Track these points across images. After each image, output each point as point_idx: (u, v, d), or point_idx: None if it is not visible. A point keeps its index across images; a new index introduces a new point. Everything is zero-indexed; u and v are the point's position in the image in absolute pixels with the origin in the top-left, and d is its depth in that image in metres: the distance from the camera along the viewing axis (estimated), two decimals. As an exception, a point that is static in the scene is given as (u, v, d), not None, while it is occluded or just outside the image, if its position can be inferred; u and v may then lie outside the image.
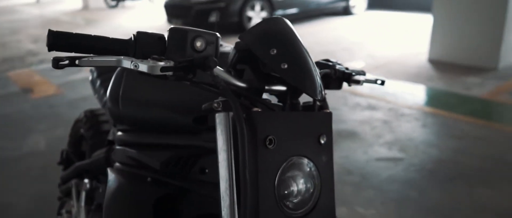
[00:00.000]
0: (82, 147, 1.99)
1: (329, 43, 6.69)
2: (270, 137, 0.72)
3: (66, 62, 0.67)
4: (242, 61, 0.82)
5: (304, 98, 0.83)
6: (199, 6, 7.65)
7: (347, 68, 1.03)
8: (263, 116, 0.72)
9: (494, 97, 3.98)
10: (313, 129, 0.78)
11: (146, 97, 1.01)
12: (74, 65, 0.69)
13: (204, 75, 0.73)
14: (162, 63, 0.68)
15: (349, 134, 3.22)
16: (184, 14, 7.89)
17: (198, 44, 0.73)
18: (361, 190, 2.45)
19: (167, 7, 8.44)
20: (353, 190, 2.45)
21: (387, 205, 2.29)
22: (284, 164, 0.74)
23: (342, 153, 2.89)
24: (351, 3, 9.80)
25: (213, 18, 7.55)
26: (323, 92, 0.80)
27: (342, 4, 9.68)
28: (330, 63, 1.01)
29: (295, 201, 0.76)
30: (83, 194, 1.45)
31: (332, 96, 0.79)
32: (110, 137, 1.47)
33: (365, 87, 4.21)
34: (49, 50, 0.70)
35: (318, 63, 1.01)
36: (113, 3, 14.37)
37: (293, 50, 0.78)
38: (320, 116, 0.80)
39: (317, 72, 0.80)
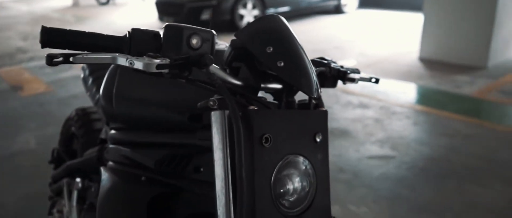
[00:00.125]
0: (74, 145, 1.98)
1: (321, 41, 6.70)
2: (266, 135, 0.71)
3: (60, 59, 0.66)
4: (237, 59, 0.81)
5: (299, 96, 0.83)
6: (191, 4, 7.62)
7: (342, 66, 1.03)
8: (259, 114, 0.72)
9: (484, 96, 4.02)
10: (309, 127, 0.78)
11: (141, 95, 1.00)
12: (68, 62, 0.67)
13: (199, 73, 0.73)
14: (157, 61, 0.67)
15: (341, 132, 3.23)
16: (176, 12, 7.86)
17: (194, 41, 0.72)
18: (353, 188, 2.46)
19: (159, 4, 8.40)
20: (345, 188, 2.46)
21: (379, 203, 2.30)
22: (280, 162, 0.74)
23: (334, 151, 2.90)
24: (342, 1, 9.84)
25: (205, 16, 7.53)
26: (319, 91, 0.80)
27: (334, 2, 9.71)
28: (325, 61, 1.01)
29: (291, 199, 0.75)
30: (75, 193, 1.44)
31: (324, 95, 0.79)
32: (102, 136, 1.46)
33: (357, 86, 4.23)
34: (43, 47, 0.69)
35: (313, 61, 1.01)
36: (104, 0, 14.26)
37: (289, 48, 0.78)
38: (316, 114, 0.80)
39: (313, 70, 0.80)
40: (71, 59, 0.68)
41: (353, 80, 1.02)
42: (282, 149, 0.74)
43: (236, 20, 7.79)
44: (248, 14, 7.98)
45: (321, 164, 0.79)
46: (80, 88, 4.56)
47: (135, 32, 0.72)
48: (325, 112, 0.81)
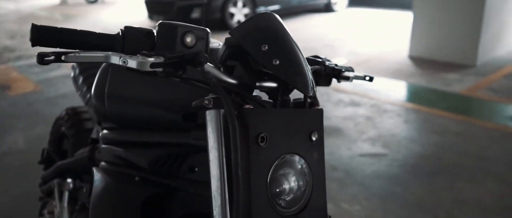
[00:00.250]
0: (64, 145, 1.95)
1: (311, 40, 6.72)
2: (262, 135, 0.70)
3: (52, 58, 0.65)
4: (232, 57, 0.80)
5: (294, 95, 0.83)
6: (181, 2, 7.57)
7: (336, 65, 1.02)
8: (255, 113, 0.71)
9: (473, 93, 4.06)
10: (305, 125, 0.77)
11: (133, 94, 0.99)
12: (60, 61, 0.66)
13: (194, 71, 0.72)
14: (152, 59, 0.66)
15: (333, 130, 3.24)
16: (166, 10, 7.81)
17: (188, 39, 0.71)
18: (345, 186, 2.47)
19: (148, 3, 8.34)
20: (338, 186, 2.46)
21: (371, 201, 2.31)
22: (276, 161, 0.73)
23: (326, 149, 2.89)
24: (332, 0, 9.87)
25: (195, 14, 7.49)
26: (314, 89, 0.79)
27: (324, 1, 9.74)
28: (320, 60, 1.00)
29: (287, 199, 0.75)
30: (66, 194, 1.42)
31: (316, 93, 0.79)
32: (93, 135, 1.44)
33: (347, 84, 4.24)
34: (33, 45, 0.67)
35: (308, 60, 1.01)
36: (93, -2, 14.13)
37: (285, 46, 0.77)
38: (312, 112, 0.79)
39: (308, 69, 0.80)
40: (63, 58, 0.66)
41: (347, 78, 1.02)
42: (278, 148, 0.73)
43: (227, 19, 7.77)
44: (239, 13, 7.96)
45: (317, 163, 0.79)
46: (69, 87, 4.51)
47: (128, 30, 0.71)
48: (321, 111, 0.81)
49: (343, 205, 2.28)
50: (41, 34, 0.66)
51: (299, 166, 0.77)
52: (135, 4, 12.59)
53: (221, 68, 0.81)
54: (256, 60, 0.78)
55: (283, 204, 0.74)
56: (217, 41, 1.05)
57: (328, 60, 1.04)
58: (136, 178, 0.98)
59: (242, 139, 0.69)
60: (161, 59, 0.67)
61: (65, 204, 1.43)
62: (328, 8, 9.93)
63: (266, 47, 0.75)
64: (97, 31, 0.71)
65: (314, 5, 9.53)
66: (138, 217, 0.92)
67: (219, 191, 0.71)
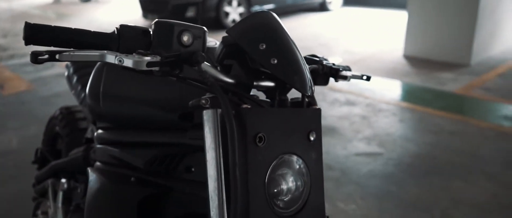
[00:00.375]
0: (58, 145, 1.93)
1: (306, 39, 6.72)
2: (260, 134, 0.70)
3: (46, 56, 0.64)
4: (229, 56, 0.80)
5: (291, 94, 0.82)
6: (175, 1, 7.55)
7: (333, 64, 1.02)
8: (252, 112, 0.70)
9: (467, 93, 4.08)
10: (303, 125, 0.77)
11: (129, 93, 0.98)
12: (54, 60, 0.65)
13: (190, 70, 0.71)
14: (148, 58, 0.65)
15: (329, 130, 3.24)
16: (160, 9, 7.78)
17: (185, 38, 0.70)
18: (341, 185, 2.47)
19: (142, 1, 8.30)
20: (333, 185, 2.46)
21: (367, 200, 2.31)
22: (274, 162, 0.72)
23: (322, 149, 2.90)
24: (327, -1, 9.88)
25: (190, 13, 7.47)
26: (313, 88, 0.78)
27: (318, 0, 9.74)
28: (317, 59, 1.00)
29: (285, 199, 0.74)
30: (60, 194, 1.40)
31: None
32: (88, 135, 1.42)
33: (343, 83, 4.25)
34: (26, 44, 0.66)
35: (305, 59, 1.00)
36: (86, -3, 14.05)
37: (283, 45, 0.77)
38: (309, 112, 0.79)
39: (306, 68, 0.79)
40: (57, 56, 0.65)
41: (345, 78, 1.01)
42: (276, 148, 0.72)
43: (222, 18, 7.75)
44: (234, 12, 7.95)
45: (315, 163, 0.78)
46: (63, 86, 4.48)
47: (123, 28, 0.70)
48: (319, 110, 0.80)
49: (339, 204, 2.28)
50: (35, 33, 0.64)
51: (297, 166, 0.76)
52: (129, 3, 12.53)
53: (218, 68, 0.80)
54: (254, 59, 0.77)
55: (281, 205, 0.73)
56: (213, 40, 1.04)
57: (326, 59, 1.03)
58: (132, 179, 0.97)
59: (240, 139, 0.68)
60: (157, 58, 0.66)
61: (59, 205, 1.41)
62: (323, 7, 9.94)
63: (264, 46, 0.74)
64: (92, 30, 0.70)
65: (309, 4, 9.53)
66: None
67: (216, 191, 0.70)
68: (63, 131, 1.73)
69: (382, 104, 3.78)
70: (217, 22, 7.66)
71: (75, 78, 1.63)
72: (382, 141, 3.03)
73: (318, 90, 4.09)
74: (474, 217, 2.15)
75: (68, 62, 1.76)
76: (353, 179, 2.53)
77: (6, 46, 6.96)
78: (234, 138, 0.67)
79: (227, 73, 0.79)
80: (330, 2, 10.00)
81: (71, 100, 3.38)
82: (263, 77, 0.81)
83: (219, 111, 0.72)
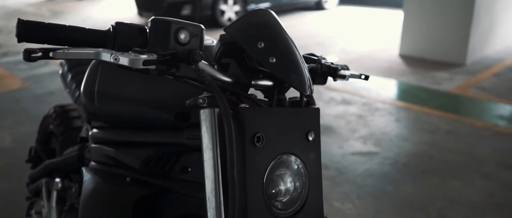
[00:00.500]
0: (52, 144, 1.91)
1: (302, 37, 6.71)
2: (258, 134, 0.69)
3: (39, 54, 0.62)
4: (227, 55, 0.78)
5: (288, 93, 0.81)
6: (171, -1, 7.51)
7: (332, 63, 1.01)
8: (251, 112, 0.69)
9: (463, 92, 4.09)
10: (301, 125, 0.76)
11: (124, 92, 0.96)
12: (48, 57, 0.63)
13: (187, 69, 0.70)
14: (144, 56, 0.63)
15: (325, 129, 3.23)
16: (156, 7, 7.74)
17: (182, 36, 0.69)
18: (338, 184, 2.46)
19: (138, -1, 8.25)
20: (330, 185, 2.45)
21: (363, 199, 2.31)
22: (273, 162, 0.71)
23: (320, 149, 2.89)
24: (323, -2, 9.88)
25: (186, 11, 7.44)
26: (311, 88, 0.77)
27: (315, -1, 9.73)
28: (315, 58, 0.99)
29: (283, 200, 0.73)
30: (54, 194, 1.38)
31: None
32: (83, 134, 1.41)
33: (338, 81, 4.24)
34: (19, 41, 0.64)
35: (303, 58, 0.99)
36: (81, -6, 13.96)
37: (281, 43, 0.75)
38: (308, 112, 0.78)
39: (305, 67, 0.78)
40: (51, 54, 0.63)
41: (343, 77, 1.00)
42: (275, 148, 0.71)
43: (217, 16, 7.73)
44: (229, 10, 7.92)
45: (314, 164, 0.77)
46: (57, 84, 4.44)
47: (119, 26, 0.68)
48: (317, 110, 0.79)
49: (335, 204, 2.27)
50: (28, 30, 0.63)
51: (296, 167, 0.75)
52: (124, 1, 12.46)
53: (216, 66, 0.79)
54: (252, 57, 0.76)
55: (279, 206, 0.72)
56: (210, 38, 1.03)
57: (324, 58, 1.02)
58: (127, 179, 0.95)
59: (238, 139, 0.67)
60: (154, 57, 0.64)
61: (53, 204, 1.40)
62: (319, 6, 9.93)
63: (262, 45, 0.73)
64: (87, 27, 0.69)
65: (304, 2, 9.52)
66: None
67: (213, 192, 0.69)
68: (57, 130, 1.71)
69: (378, 103, 3.78)
70: (212, 21, 7.63)
71: (69, 76, 1.61)
72: (378, 140, 3.03)
73: (314, 89, 4.08)
74: (471, 217, 2.15)
75: (63, 60, 1.74)
76: (349, 178, 2.53)
77: (0, 43, 6.90)
78: (232, 138, 0.65)
79: (224, 72, 0.77)
80: (326, 1, 10.00)
81: (66, 99, 3.35)
82: (261, 76, 0.80)
83: (217, 110, 0.71)
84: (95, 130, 1.10)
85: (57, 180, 1.39)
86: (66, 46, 0.67)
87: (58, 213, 1.39)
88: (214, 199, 0.69)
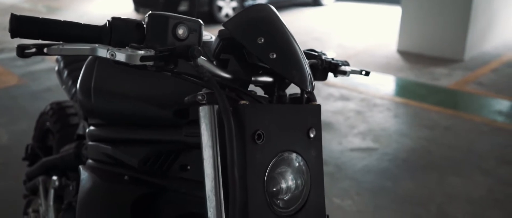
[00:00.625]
0: (49, 141, 1.89)
1: (300, 33, 6.68)
2: (258, 132, 0.67)
3: (33, 50, 0.60)
4: (226, 50, 0.77)
5: (289, 89, 0.79)
6: (168, -5, 7.47)
7: (332, 59, 0.99)
8: (251, 109, 0.67)
9: (461, 88, 4.08)
10: (302, 122, 0.74)
11: (122, 88, 0.94)
12: (42, 53, 0.61)
13: (186, 65, 0.68)
14: (142, 52, 0.62)
15: (323, 125, 3.22)
16: (152, 3, 7.69)
17: (181, 31, 0.67)
18: (337, 180, 2.45)
19: (135, -5, 8.20)
20: (329, 181, 2.44)
21: (362, 195, 2.30)
22: (274, 160, 0.70)
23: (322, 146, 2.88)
24: (321, -7, 9.85)
25: (183, 7, 7.40)
26: (313, 84, 0.76)
27: (312, -6, 9.70)
28: (316, 54, 0.97)
29: (285, 198, 0.72)
30: (52, 192, 1.37)
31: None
32: (80, 131, 1.39)
33: (336, 78, 4.23)
34: (12, 36, 0.62)
35: (304, 53, 0.97)
36: (78, -10, 13.86)
37: (282, 39, 0.74)
38: (309, 108, 0.76)
39: (306, 63, 0.76)
40: (45, 50, 0.62)
41: (344, 73, 0.99)
42: (275, 145, 0.70)
43: (215, 12, 7.69)
44: (227, 6, 7.89)
45: (315, 161, 0.76)
46: (54, 81, 4.41)
47: (115, 21, 0.66)
48: (318, 106, 0.78)
49: (335, 200, 2.26)
50: (21, 25, 0.61)
51: (297, 164, 0.74)
52: (121, -3, 12.39)
53: (214, 62, 0.78)
54: (252, 53, 0.75)
55: (281, 204, 0.71)
56: (209, 34, 1.01)
57: (324, 54, 1.00)
58: (125, 177, 0.94)
59: (238, 136, 0.65)
60: (151, 52, 0.63)
61: (51, 203, 1.38)
62: (316, 2, 9.90)
63: (262, 40, 0.72)
64: (83, 22, 0.67)
65: (302, -2, 9.49)
66: None
67: (214, 191, 0.68)
68: (54, 127, 1.69)
69: (377, 99, 3.77)
70: (210, 17, 7.59)
71: (65, 73, 1.59)
72: (377, 136, 3.02)
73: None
74: (470, 213, 2.15)
75: (59, 56, 1.72)
76: (348, 174, 2.52)
77: (-4, 40, 6.85)
78: (232, 135, 0.64)
79: (224, 68, 0.76)
80: (323, -3, 9.97)
81: (63, 95, 3.33)
82: (260, 72, 0.79)
83: (216, 107, 0.69)
84: (92, 128, 1.08)
85: (54, 178, 1.37)
86: (61, 42, 0.65)
87: (56, 212, 1.37)
88: (214, 198, 0.68)
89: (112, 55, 0.62)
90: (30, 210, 1.68)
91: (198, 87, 0.71)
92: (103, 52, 0.63)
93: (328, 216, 0.81)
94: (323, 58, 0.95)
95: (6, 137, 3.17)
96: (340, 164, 2.64)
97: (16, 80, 4.61)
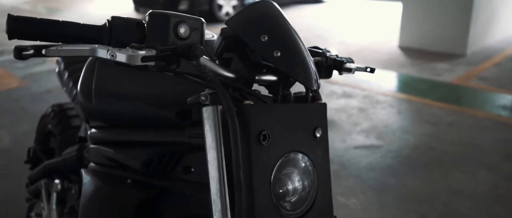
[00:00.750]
0: (51, 143, 1.88)
1: (301, 31, 6.65)
2: (264, 132, 0.65)
3: (31, 52, 0.58)
4: (229, 49, 0.75)
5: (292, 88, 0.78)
6: (168, -6, 7.45)
7: (337, 56, 0.97)
8: (255, 109, 0.66)
9: (464, 83, 4.06)
10: (308, 121, 0.72)
11: (123, 90, 0.92)
12: (40, 55, 0.60)
13: (188, 65, 0.66)
14: (142, 52, 0.60)
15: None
16: (152, 2, 7.68)
17: (182, 30, 0.65)
18: (341, 179, 2.43)
19: (134, -5, 8.19)
20: (333, 179, 2.41)
21: (367, 194, 2.28)
22: (280, 161, 0.68)
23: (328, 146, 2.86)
24: (321, -10, 9.82)
25: (183, 6, 7.38)
26: (318, 82, 0.74)
27: (313, -9, 9.67)
28: (320, 51, 0.95)
29: (292, 200, 0.70)
30: (54, 196, 1.35)
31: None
32: (81, 134, 1.37)
33: (338, 75, 4.20)
34: (10, 38, 0.61)
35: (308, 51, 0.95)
36: (77, -9, 13.85)
37: (286, 36, 0.72)
38: (315, 107, 0.75)
39: (311, 60, 0.75)
40: (43, 51, 0.60)
41: (349, 70, 0.97)
42: (281, 146, 0.68)
43: (215, 10, 7.67)
44: (227, 4, 7.87)
45: (322, 161, 0.74)
46: (55, 82, 4.40)
47: (115, 20, 0.65)
48: (324, 105, 0.76)
49: (340, 198, 2.24)
50: (19, 25, 0.59)
51: (303, 165, 0.72)
52: (121, -3, 12.38)
53: (217, 61, 0.76)
54: (255, 52, 0.73)
55: (288, 207, 0.69)
56: (210, 33, 0.99)
57: (328, 51, 0.98)
58: (128, 181, 0.92)
59: (243, 137, 0.64)
60: (152, 52, 0.61)
61: (53, 206, 1.37)
62: (317, -1, 9.87)
63: (266, 38, 0.70)
64: (82, 22, 0.65)
65: (303, -4, 9.46)
66: None
67: (219, 194, 0.66)
68: (56, 129, 1.67)
69: (379, 96, 3.75)
70: (210, 15, 7.58)
71: (66, 74, 1.57)
72: (381, 133, 3.00)
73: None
74: (476, 209, 2.13)
75: (59, 58, 1.70)
76: (352, 172, 2.50)
77: (-4, 42, 6.84)
78: (237, 136, 0.62)
79: (227, 68, 0.74)
80: (324, -6, 9.94)
81: (65, 97, 3.32)
82: (264, 71, 0.77)
83: (220, 107, 0.67)
84: (93, 130, 1.06)
85: (57, 181, 1.36)
86: (59, 43, 0.63)
87: (59, 215, 1.36)
88: (219, 201, 0.66)
89: (112, 56, 0.61)
90: (32, 214, 1.66)
91: (201, 87, 0.70)
92: (103, 53, 0.61)
93: (335, 217, 0.79)
94: (327, 55, 0.93)
95: (8, 139, 3.16)
96: (344, 161, 2.62)
97: (17, 82, 4.60)
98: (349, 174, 2.48)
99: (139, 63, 0.60)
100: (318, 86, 0.74)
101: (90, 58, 1.03)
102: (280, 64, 0.70)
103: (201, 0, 7.50)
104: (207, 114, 0.68)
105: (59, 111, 1.73)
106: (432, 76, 4.27)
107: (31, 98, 4.07)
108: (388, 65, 4.72)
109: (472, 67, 4.52)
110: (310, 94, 0.77)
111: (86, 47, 0.62)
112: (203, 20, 0.69)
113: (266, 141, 0.66)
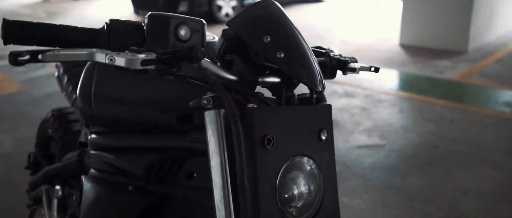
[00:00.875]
0: (51, 148, 1.86)
1: (301, 30, 6.58)
2: (268, 136, 0.63)
3: (27, 57, 0.56)
4: (230, 51, 0.73)
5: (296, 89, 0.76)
6: (167, -4, 7.44)
7: (341, 56, 0.95)
8: (259, 112, 0.64)
9: (466, 80, 4.03)
10: (313, 124, 0.70)
11: (123, 94, 0.90)
12: (36, 60, 0.58)
13: (189, 68, 0.64)
14: (142, 56, 0.58)
15: (328, 122, 3.18)
16: (152, 4, 7.67)
17: (183, 32, 0.63)
18: (344, 179, 2.41)
19: (134, -3, 8.18)
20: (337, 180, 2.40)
21: (371, 194, 2.26)
22: (285, 165, 0.66)
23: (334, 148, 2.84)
24: (321, -10, 9.80)
25: (182, 8, 7.37)
26: (323, 83, 0.72)
27: (312, -9, 9.66)
28: (323, 51, 0.93)
29: (298, 205, 0.68)
30: (55, 202, 1.33)
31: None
32: (82, 139, 1.36)
33: (339, 74, 4.18)
34: (5, 43, 0.58)
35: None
36: (77, -6, 13.87)
37: (289, 36, 0.70)
38: (320, 109, 0.73)
39: (315, 61, 0.73)
40: (39, 57, 0.58)
41: (354, 70, 0.95)
42: (286, 150, 0.66)
43: (215, 12, 7.66)
44: (226, 5, 7.85)
45: (328, 164, 0.72)
46: (55, 86, 4.38)
47: (114, 23, 0.63)
48: (329, 107, 0.74)
49: (343, 199, 2.22)
50: (14, 30, 0.57)
51: (309, 168, 0.70)
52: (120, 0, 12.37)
53: (219, 64, 0.74)
54: (258, 53, 0.71)
55: (294, 212, 0.67)
56: (211, 34, 0.98)
57: (332, 51, 0.97)
58: (130, 187, 0.90)
59: (247, 141, 0.62)
60: (152, 56, 0.59)
61: (54, 213, 1.35)
62: (316, -2, 9.86)
63: (269, 39, 0.68)
64: (79, 26, 0.63)
65: (302, -5, 9.45)
66: None
67: (222, 200, 0.64)
68: (56, 134, 1.66)
69: (381, 95, 3.73)
70: (210, 17, 7.56)
71: (65, 79, 1.55)
72: (383, 132, 2.98)
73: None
74: (482, 208, 2.10)
75: (58, 62, 1.69)
76: (356, 172, 2.48)
77: (-4, 47, 6.83)
78: (240, 141, 0.60)
79: (229, 70, 0.72)
80: (323, -7, 9.92)
81: (65, 101, 3.30)
82: (267, 72, 0.75)
83: (222, 111, 0.66)
84: (93, 135, 1.05)
85: (57, 187, 1.34)
86: (56, 48, 0.61)
87: (60, 222, 1.34)
88: (223, 208, 0.64)
89: (111, 60, 0.59)
90: (34, 219, 1.65)
91: (203, 91, 0.68)
92: (101, 57, 0.60)
93: (342, 221, 0.77)
94: (331, 55, 0.91)
95: (8, 144, 3.15)
96: (348, 162, 2.60)
97: (17, 87, 4.59)
98: (353, 174, 2.46)
99: (139, 67, 0.58)
100: (323, 88, 0.72)
101: (89, 62, 1.02)
102: (284, 66, 0.68)
103: (200, 1, 7.49)
104: (210, 118, 0.66)
105: (59, 115, 1.71)
106: (433, 74, 4.25)
107: (32, 102, 4.05)
108: (390, 63, 4.70)
109: (474, 64, 4.50)
110: (315, 95, 0.75)
111: (84, 51, 0.61)
112: (204, 21, 0.67)
113: (271, 145, 0.64)
